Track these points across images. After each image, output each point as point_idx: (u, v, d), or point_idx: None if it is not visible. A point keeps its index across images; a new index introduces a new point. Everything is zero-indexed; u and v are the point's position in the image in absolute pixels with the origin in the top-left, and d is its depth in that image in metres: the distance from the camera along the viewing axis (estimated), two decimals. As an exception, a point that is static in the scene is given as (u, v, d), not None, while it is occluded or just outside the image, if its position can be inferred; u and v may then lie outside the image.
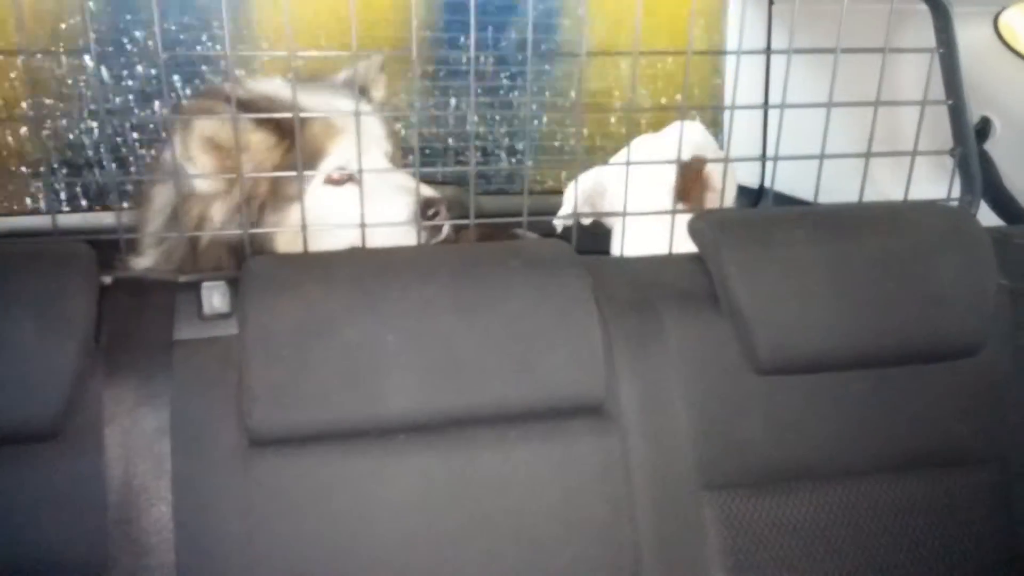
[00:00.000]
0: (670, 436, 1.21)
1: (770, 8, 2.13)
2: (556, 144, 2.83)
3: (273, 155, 1.29)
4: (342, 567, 1.10)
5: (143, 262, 1.37)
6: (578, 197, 1.60)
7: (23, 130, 2.44)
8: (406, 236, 1.34)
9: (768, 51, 2.15)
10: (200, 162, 1.27)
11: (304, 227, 1.25)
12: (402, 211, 1.34)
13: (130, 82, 2.49)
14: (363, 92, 1.43)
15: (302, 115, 1.20)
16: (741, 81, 1.48)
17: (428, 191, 1.36)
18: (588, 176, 1.62)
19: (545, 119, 2.78)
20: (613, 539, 1.17)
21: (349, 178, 1.36)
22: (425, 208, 1.34)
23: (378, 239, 1.28)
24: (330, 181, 1.35)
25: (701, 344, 1.24)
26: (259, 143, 1.28)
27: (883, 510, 1.27)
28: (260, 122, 1.27)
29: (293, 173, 1.24)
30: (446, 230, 1.38)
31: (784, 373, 1.24)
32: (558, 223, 1.62)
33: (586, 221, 1.63)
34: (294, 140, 1.21)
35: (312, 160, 1.32)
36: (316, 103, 1.33)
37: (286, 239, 1.33)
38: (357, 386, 1.09)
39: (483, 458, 1.14)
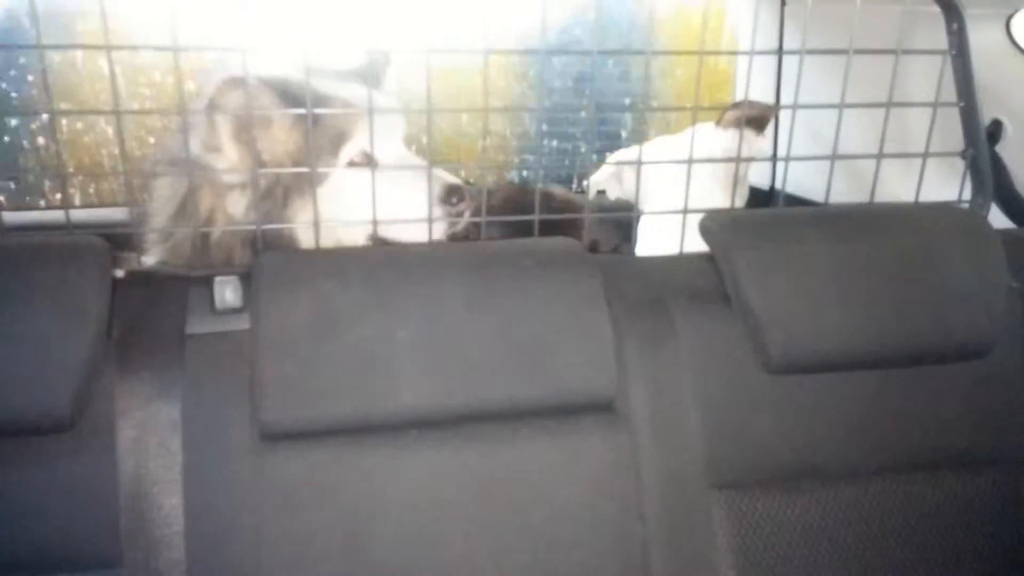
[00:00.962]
0: (680, 434, 1.21)
1: (782, 9, 2.13)
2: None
3: (293, 135, 1.29)
4: (352, 562, 1.10)
5: (148, 260, 1.37)
6: (608, 170, 1.68)
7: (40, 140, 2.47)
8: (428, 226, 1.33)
9: (780, 52, 2.15)
10: (228, 152, 1.26)
11: (317, 222, 1.25)
12: (425, 198, 1.32)
13: (146, 91, 2.51)
14: (374, 82, 1.43)
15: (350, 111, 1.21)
16: (753, 82, 1.48)
17: (451, 178, 1.36)
18: (623, 152, 1.69)
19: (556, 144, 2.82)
20: (622, 536, 1.17)
21: (371, 161, 1.35)
22: (448, 195, 1.34)
23: (400, 225, 1.29)
24: (353, 164, 1.35)
25: (712, 343, 1.24)
26: (280, 122, 1.28)
27: (892, 511, 1.27)
28: (280, 103, 1.26)
29: (312, 168, 1.25)
30: (467, 218, 1.37)
31: (794, 372, 1.24)
32: (594, 183, 1.68)
33: (612, 196, 1.68)
34: (314, 119, 1.21)
35: (334, 145, 1.32)
36: (332, 89, 1.33)
37: (308, 225, 1.31)
38: (368, 382, 1.09)
39: (493, 454, 1.14)
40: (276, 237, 1.27)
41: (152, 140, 2.41)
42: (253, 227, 1.25)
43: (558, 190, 1.83)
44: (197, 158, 1.26)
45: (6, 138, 2.56)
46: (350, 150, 1.34)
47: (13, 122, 2.55)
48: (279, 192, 1.28)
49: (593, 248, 1.45)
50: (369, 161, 1.34)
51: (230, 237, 1.30)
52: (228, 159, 1.27)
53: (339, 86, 1.35)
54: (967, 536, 1.30)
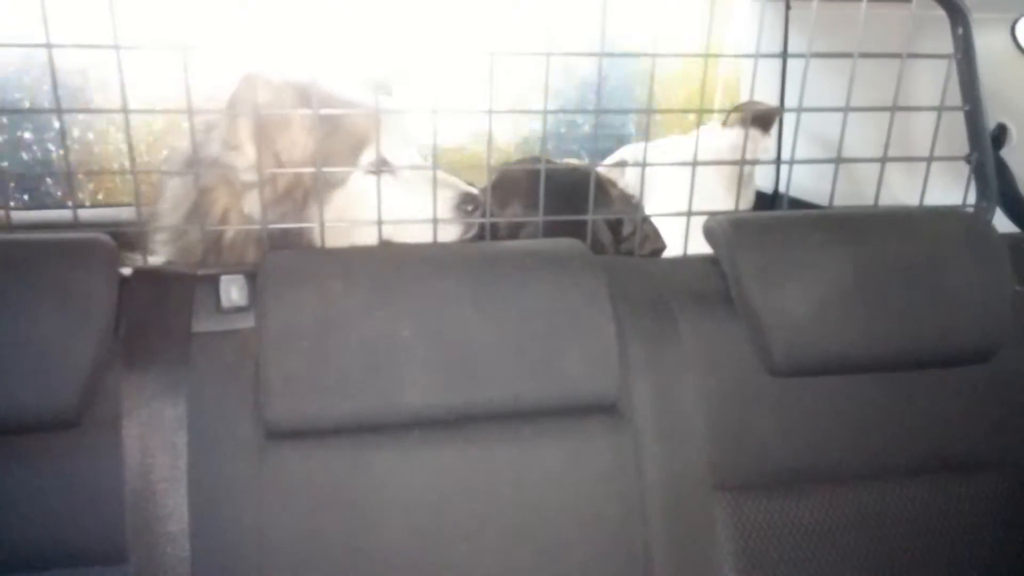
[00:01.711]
0: (683, 436, 1.22)
1: (787, 12, 2.13)
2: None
3: (312, 137, 1.28)
4: (354, 560, 1.10)
5: (156, 259, 1.36)
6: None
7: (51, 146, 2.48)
8: (442, 230, 1.33)
9: (785, 55, 2.15)
10: (247, 151, 1.25)
11: (322, 222, 1.25)
12: (441, 205, 1.33)
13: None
14: (387, 90, 1.43)
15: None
16: (757, 85, 1.49)
17: (466, 186, 1.36)
18: (629, 148, 1.72)
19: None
20: (625, 538, 1.17)
21: (385, 166, 1.35)
22: (463, 203, 1.34)
23: (414, 232, 1.29)
24: (371, 171, 1.34)
25: (715, 345, 1.24)
26: (300, 123, 1.28)
27: (894, 514, 1.27)
28: (300, 104, 1.26)
29: (318, 168, 1.25)
30: (476, 227, 1.37)
31: (798, 375, 1.24)
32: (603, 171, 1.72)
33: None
34: (334, 122, 1.21)
35: (354, 149, 1.31)
36: (350, 96, 1.32)
37: (324, 230, 1.31)
38: (373, 381, 1.10)
39: (497, 454, 1.15)
40: (292, 241, 1.27)
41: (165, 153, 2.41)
42: (262, 228, 1.25)
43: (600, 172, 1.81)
44: (217, 157, 1.26)
45: (24, 155, 2.56)
46: (368, 156, 1.33)
47: (27, 135, 2.56)
48: (299, 194, 1.28)
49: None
50: (384, 167, 1.34)
51: (243, 239, 1.29)
52: (247, 158, 1.26)
53: (366, 93, 1.33)
54: (971, 540, 1.30)
